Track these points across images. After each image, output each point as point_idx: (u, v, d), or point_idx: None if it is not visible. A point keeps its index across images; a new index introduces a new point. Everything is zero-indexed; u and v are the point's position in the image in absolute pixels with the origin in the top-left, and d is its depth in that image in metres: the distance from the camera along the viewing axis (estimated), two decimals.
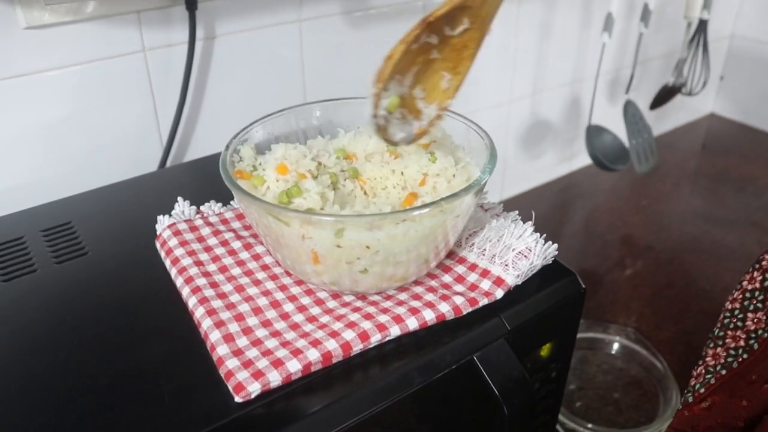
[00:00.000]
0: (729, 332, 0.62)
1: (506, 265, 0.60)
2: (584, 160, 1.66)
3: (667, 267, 1.35)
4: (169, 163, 0.96)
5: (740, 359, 0.59)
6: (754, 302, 0.61)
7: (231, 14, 0.94)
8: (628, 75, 1.49)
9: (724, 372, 0.59)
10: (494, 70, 1.35)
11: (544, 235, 0.63)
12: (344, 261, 0.53)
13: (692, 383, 0.62)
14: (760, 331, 0.59)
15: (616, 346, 1.12)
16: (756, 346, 0.58)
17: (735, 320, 0.62)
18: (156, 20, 0.88)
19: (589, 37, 1.47)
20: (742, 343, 0.60)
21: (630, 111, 1.47)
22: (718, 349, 0.62)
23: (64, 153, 0.87)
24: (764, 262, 0.61)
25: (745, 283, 0.63)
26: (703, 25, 1.47)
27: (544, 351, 0.65)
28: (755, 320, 0.60)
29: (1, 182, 0.84)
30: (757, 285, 0.61)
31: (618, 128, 1.50)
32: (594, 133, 1.44)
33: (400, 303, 0.57)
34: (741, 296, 0.63)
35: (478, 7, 0.56)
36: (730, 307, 0.63)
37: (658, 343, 1.13)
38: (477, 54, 0.59)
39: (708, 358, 0.62)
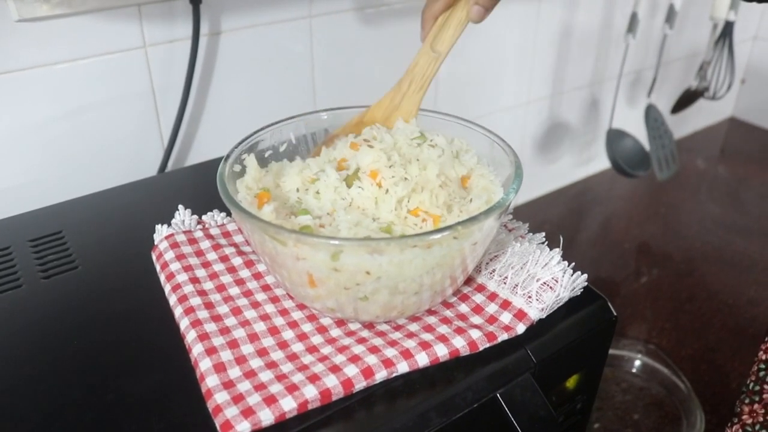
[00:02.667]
0: (766, 386, 0.56)
1: (529, 297, 0.54)
2: (601, 164, 1.60)
3: (687, 278, 1.30)
4: (170, 167, 0.91)
5: None
6: None
7: (237, 9, 0.89)
8: (648, 77, 1.44)
9: None
10: (511, 71, 1.30)
11: (573, 263, 0.57)
12: (342, 286, 0.48)
13: None
14: None
15: (636, 363, 1.07)
16: None
17: None
18: (158, 14, 0.83)
19: (610, 37, 1.42)
20: None
21: (652, 115, 1.41)
22: (755, 406, 0.56)
23: (56, 155, 0.82)
24: None
25: None
26: (729, 26, 1.41)
27: (571, 382, 0.60)
28: None
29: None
30: None
31: (636, 131, 1.44)
32: (614, 137, 1.38)
33: (410, 335, 0.52)
34: None
35: (383, 120, 0.62)
36: (764, 357, 0.57)
37: (680, 360, 1.08)
38: None
39: (744, 416, 0.56)
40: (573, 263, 0.56)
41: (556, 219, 1.51)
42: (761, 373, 0.56)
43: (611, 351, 1.08)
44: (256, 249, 0.52)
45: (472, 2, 0.59)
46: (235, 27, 0.90)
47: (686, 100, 1.54)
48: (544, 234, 0.62)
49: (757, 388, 0.56)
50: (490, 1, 0.59)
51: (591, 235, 1.48)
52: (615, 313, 0.59)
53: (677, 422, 0.98)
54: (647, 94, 1.42)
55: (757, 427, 0.54)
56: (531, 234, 0.62)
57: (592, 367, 0.61)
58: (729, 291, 1.27)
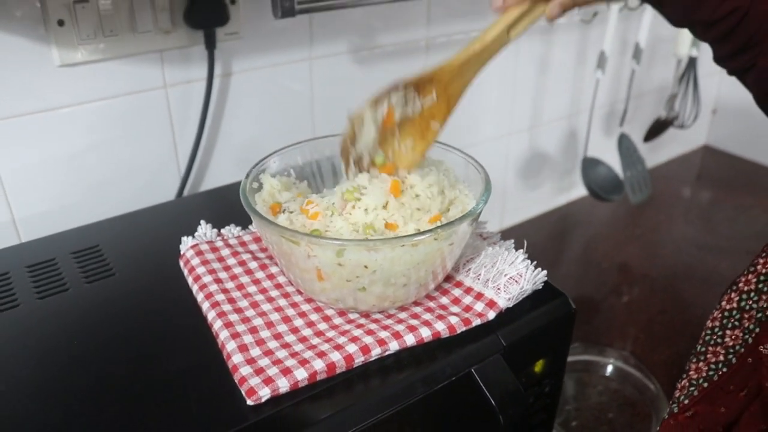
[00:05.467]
0: (710, 348, 0.66)
1: (498, 289, 0.65)
2: (581, 191, 1.71)
3: (662, 293, 1.40)
4: (186, 192, 1.02)
5: (720, 372, 0.64)
6: (732, 321, 0.65)
7: (247, 53, 1.01)
8: (621, 109, 1.56)
9: (705, 384, 0.64)
10: (494, 104, 1.42)
11: (535, 262, 0.68)
12: (345, 279, 0.59)
13: (677, 395, 0.67)
14: (737, 347, 0.63)
15: (611, 368, 1.17)
16: (734, 360, 0.63)
17: (715, 337, 0.67)
18: (177, 59, 0.95)
19: (584, 72, 1.54)
20: (721, 357, 0.64)
21: (624, 144, 1.53)
22: (701, 364, 0.66)
23: (87, 181, 0.93)
24: (740, 284, 0.66)
25: (723, 303, 0.68)
26: (692, 62, 1.54)
27: (538, 367, 0.70)
28: (733, 337, 0.64)
29: (32, 207, 0.90)
30: (735, 305, 0.65)
31: (613, 160, 1.56)
32: (589, 165, 1.50)
33: (400, 321, 0.63)
34: (720, 315, 0.67)
35: (446, 83, 0.65)
36: (710, 325, 0.68)
37: (652, 365, 1.18)
38: (443, 126, 0.67)
39: (691, 372, 0.66)
40: (535, 261, 0.67)
41: (539, 242, 1.61)
42: (707, 338, 0.67)
43: (588, 357, 1.18)
44: (272, 250, 0.63)
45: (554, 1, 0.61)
46: (244, 69, 1.02)
47: (657, 129, 1.67)
48: (512, 240, 0.72)
49: (703, 349, 0.66)
50: (571, 3, 0.61)
51: (573, 257, 1.58)
52: (574, 306, 0.70)
53: (647, 419, 1.07)
54: (619, 124, 1.54)
55: (700, 381, 0.64)
56: (502, 241, 0.73)
57: (556, 353, 0.72)
58: (700, 304, 1.37)
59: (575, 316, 0.71)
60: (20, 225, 0.90)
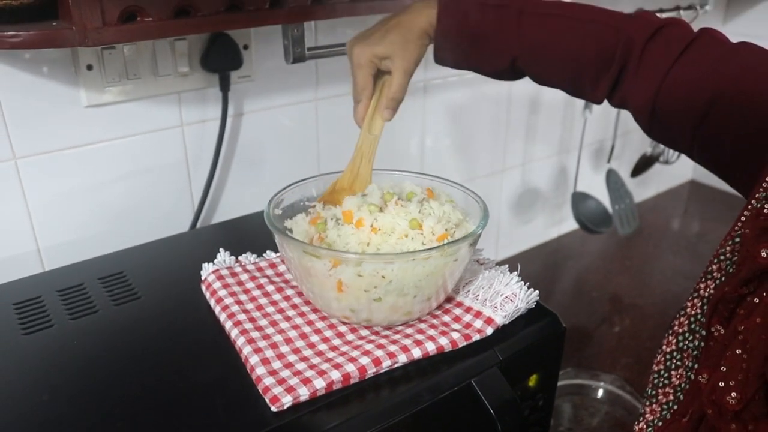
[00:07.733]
0: (660, 390, 0.71)
1: (495, 308, 0.72)
2: (573, 224, 1.78)
3: (650, 321, 1.46)
4: (199, 224, 1.08)
5: (672, 410, 0.69)
6: (674, 361, 0.70)
7: (258, 94, 1.08)
8: (609, 146, 1.64)
9: (660, 424, 0.69)
10: (488, 142, 1.50)
11: (528, 283, 0.74)
12: (363, 289, 0.65)
13: None
14: (683, 384, 0.69)
15: (602, 392, 1.22)
16: (682, 398, 0.68)
17: (662, 379, 0.71)
18: (193, 100, 1.02)
19: (573, 112, 1.62)
20: (671, 397, 0.69)
21: (612, 178, 1.61)
22: (654, 406, 0.71)
23: (108, 213, 1.00)
24: (675, 328, 0.71)
25: (664, 347, 0.73)
26: None
27: (532, 381, 0.76)
28: (678, 376, 0.70)
29: (55, 238, 0.96)
30: (674, 347, 0.70)
31: (602, 195, 1.63)
32: (579, 199, 1.57)
33: (407, 336, 0.69)
34: (663, 359, 0.72)
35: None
36: (656, 369, 0.73)
37: (641, 387, 1.22)
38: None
39: (647, 415, 0.71)
40: (528, 282, 0.74)
41: (533, 274, 1.67)
42: (656, 381, 0.71)
43: (581, 381, 1.24)
44: (293, 265, 0.69)
45: (383, 108, 0.80)
46: (255, 109, 1.09)
47: (643, 164, 1.75)
48: (507, 265, 0.79)
49: (654, 392, 0.71)
50: (395, 104, 0.79)
51: (565, 287, 1.65)
52: (564, 325, 0.76)
53: None
54: (607, 161, 1.62)
55: (655, 421, 0.69)
56: (497, 266, 0.80)
57: (548, 368, 0.77)
58: None
59: (565, 334, 0.77)
60: (44, 254, 0.96)
